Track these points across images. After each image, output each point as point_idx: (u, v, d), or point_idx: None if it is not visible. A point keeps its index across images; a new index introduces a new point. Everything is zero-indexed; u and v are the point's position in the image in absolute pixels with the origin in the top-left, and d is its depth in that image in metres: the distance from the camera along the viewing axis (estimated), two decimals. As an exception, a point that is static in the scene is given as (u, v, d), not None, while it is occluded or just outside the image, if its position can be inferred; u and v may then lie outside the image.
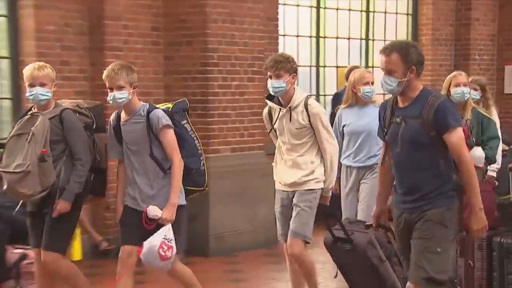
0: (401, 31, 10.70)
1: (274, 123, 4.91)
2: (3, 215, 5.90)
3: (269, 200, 5.79)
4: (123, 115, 4.50)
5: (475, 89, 6.08)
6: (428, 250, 3.77)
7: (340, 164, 5.60)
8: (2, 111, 7.08)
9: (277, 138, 4.97)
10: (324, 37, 9.68)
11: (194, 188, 4.68)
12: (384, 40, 10.36)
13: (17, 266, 5.87)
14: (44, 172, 4.36)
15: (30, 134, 4.36)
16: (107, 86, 4.42)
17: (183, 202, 4.52)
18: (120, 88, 4.36)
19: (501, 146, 6.14)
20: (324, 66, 9.73)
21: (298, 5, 9.28)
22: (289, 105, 4.78)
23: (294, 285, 5.14)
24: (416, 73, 3.81)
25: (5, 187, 4.48)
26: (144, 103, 4.55)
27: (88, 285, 4.91)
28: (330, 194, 5.01)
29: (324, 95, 9.67)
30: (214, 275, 6.53)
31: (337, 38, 9.85)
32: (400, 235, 4.04)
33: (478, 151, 4.15)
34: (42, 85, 4.46)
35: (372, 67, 10.21)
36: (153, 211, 4.36)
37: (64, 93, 6.94)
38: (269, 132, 5.04)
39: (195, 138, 4.68)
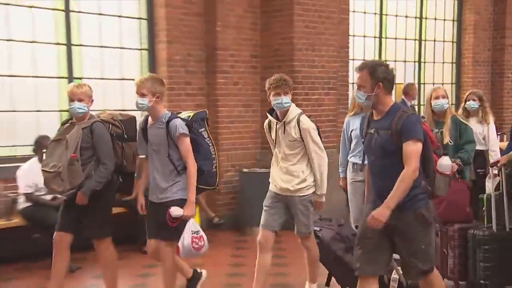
0: (447, 55, 10.69)
1: (272, 134, 4.62)
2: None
3: (339, 188, 5.81)
4: (150, 119, 4.32)
5: (474, 100, 5.90)
6: (416, 251, 3.55)
7: (347, 162, 5.51)
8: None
9: (275, 147, 4.66)
10: (385, 61, 9.35)
11: (206, 187, 4.44)
12: (434, 63, 10.45)
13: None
14: (72, 173, 4.24)
15: (65, 141, 4.29)
16: (135, 91, 4.26)
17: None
18: (143, 95, 4.17)
19: (498, 146, 6.01)
20: (385, 84, 9.90)
21: (364, 36, 9.45)
22: (283, 120, 4.48)
23: (258, 272, 4.61)
24: (384, 88, 3.53)
25: (42, 182, 4.47)
26: (167, 112, 4.30)
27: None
28: (323, 200, 4.60)
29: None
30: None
31: (395, 61, 9.93)
32: (370, 230, 3.58)
33: (445, 160, 3.83)
34: (80, 100, 4.35)
35: (424, 84, 10.30)
36: (176, 211, 4.15)
37: (187, 106, 7.30)
38: (273, 143, 4.65)
39: (210, 144, 4.41)
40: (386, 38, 9.78)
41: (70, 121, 4.47)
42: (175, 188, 4.23)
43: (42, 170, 4.34)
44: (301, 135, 4.44)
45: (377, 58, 9.64)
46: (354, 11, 9.06)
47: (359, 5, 9.28)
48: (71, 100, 4.37)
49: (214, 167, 4.42)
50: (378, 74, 3.52)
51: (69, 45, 6.79)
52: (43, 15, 6.66)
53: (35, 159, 5.77)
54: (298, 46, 7.48)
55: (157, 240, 4.30)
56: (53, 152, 4.32)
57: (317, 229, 4.69)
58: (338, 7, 8.09)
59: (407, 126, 3.46)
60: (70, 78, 6.82)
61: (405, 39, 10.11)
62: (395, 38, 9.96)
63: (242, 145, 7.81)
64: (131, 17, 7.33)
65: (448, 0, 10.63)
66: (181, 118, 4.28)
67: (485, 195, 4.88)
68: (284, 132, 4.49)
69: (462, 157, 5.06)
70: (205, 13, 7.47)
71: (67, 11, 6.76)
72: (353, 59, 9.01)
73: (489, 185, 4.96)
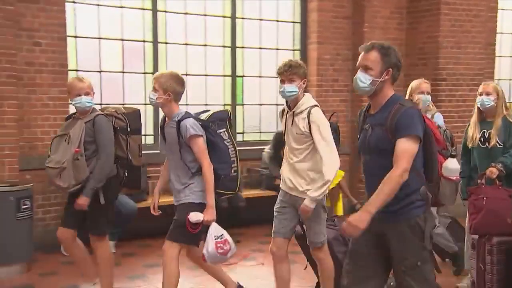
0: None
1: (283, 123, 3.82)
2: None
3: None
4: (167, 118, 3.78)
5: None
6: (410, 268, 2.77)
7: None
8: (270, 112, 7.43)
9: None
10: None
11: (225, 192, 3.77)
12: None
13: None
14: (77, 169, 3.80)
15: (68, 135, 3.89)
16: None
17: (205, 201, 3.61)
18: (154, 90, 3.63)
19: None
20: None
21: (513, 33, 8.92)
22: (293, 110, 3.65)
23: (279, 285, 3.90)
24: (391, 76, 2.78)
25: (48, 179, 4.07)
26: (182, 111, 3.68)
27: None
28: (313, 206, 3.53)
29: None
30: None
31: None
32: (362, 240, 2.83)
33: (452, 163, 3.14)
34: (87, 94, 3.93)
35: None
36: (195, 216, 3.56)
37: (333, 101, 7.40)
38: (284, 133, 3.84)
39: (230, 146, 3.73)
40: (537, 34, 9.03)
41: (73, 116, 4.06)
42: (188, 191, 3.65)
43: (46, 166, 3.93)
44: (310, 129, 3.56)
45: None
46: (502, 9, 8.46)
47: (508, 3, 8.60)
48: (78, 94, 3.91)
49: (233, 170, 3.73)
50: (391, 58, 2.76)
51: (233, 47, 7.08)
52: (213, 22, 7.03)
53: None
54: (444, 44, 7.27)
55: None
56: (57, 148, 3.94)
57: None
58: (486, 5, 7.79)
59: (403, 121, 2.70)
60: (234, 76, 7.12)
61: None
62: (548, 35, 9.12)
63: (383, 136, 7.57)
64: (287, 21, 7.46)
65: None
66: (198, 119, 3.68)
67: None
68: (292, 123, 3.65)
69: (504, 161, 4.16)
70: (353, 16, 7.46)
71: (233, 17, 7.06)
72: (500, 56, 8.52)
73: None
